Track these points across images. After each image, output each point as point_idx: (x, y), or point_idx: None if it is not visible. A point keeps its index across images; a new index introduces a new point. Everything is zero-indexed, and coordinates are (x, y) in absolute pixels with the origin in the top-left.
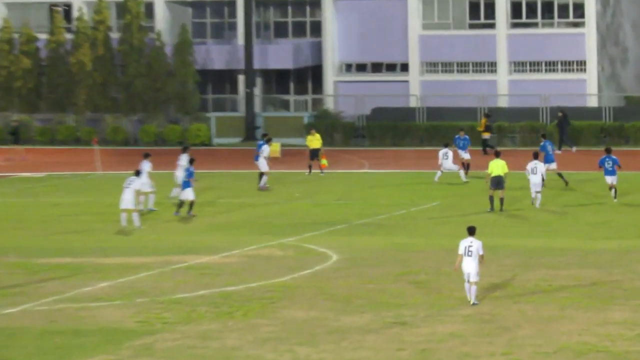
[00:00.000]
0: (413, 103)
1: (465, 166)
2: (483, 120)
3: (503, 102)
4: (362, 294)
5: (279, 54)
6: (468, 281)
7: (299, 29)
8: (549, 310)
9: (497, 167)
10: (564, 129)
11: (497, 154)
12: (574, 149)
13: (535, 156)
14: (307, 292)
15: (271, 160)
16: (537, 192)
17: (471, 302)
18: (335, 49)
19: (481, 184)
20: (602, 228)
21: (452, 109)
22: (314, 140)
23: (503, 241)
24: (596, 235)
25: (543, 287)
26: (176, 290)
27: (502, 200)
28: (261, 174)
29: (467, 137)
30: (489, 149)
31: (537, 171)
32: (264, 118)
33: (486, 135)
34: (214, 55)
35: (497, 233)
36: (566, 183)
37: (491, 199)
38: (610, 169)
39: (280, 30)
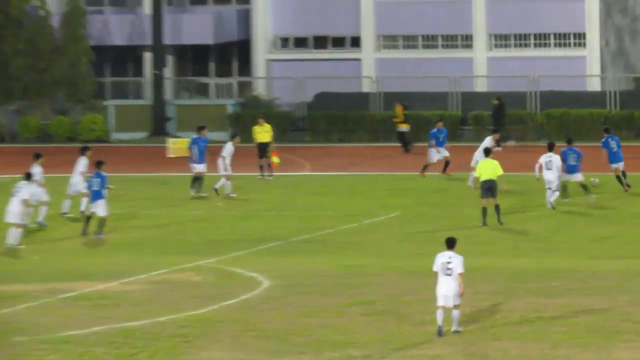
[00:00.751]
0: (367, 87)
1: (445, 165)
2: (399, 109)
3: (481, 86)
4: (300, 330)
5: (196, 26)
6: (443, 306)
7: None
8: (538, 348)
9: (488, 168)
10: (500, 119)
11: (487, 153)
12: (512, 143)
13: (550, 148)
14: (231, 328)
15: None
16: (554, 190)
17: (452, 329)
18: (267, 19)
19: (450, 189)
20: (607, 244)
21: (416, 95)
22: (263, 132)
23: (482, 261)
24: (599, 253)
25: (531, 319)
26: (64, 327)
27: (497, 208)
28: (195, 179)
29: (445, 129)
30: (410, 147)
31: (552, 165)
32: (177, 107)
33: (404, 128)
34: (113, 27)
35: (475, 251)
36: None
37: (484, 210)
38: (616, 150)
39: None
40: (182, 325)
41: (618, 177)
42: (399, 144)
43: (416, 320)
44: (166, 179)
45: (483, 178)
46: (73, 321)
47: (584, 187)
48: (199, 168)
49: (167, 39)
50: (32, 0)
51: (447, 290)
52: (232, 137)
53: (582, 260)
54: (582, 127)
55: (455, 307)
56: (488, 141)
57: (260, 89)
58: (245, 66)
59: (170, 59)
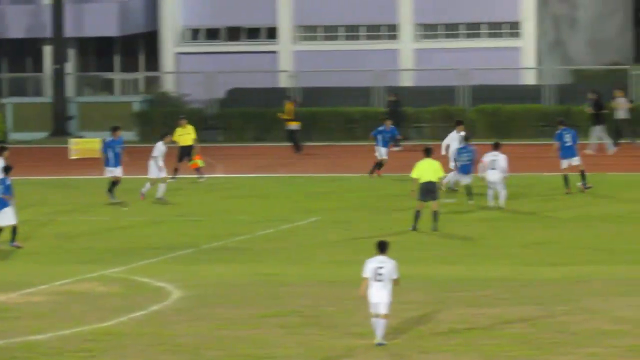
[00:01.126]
0: (284, 82)
1: (377, 165)
2: (289, 106)
3: (407, 80)
4: (214, 343)
5: (100, 17)
6: (376, 314)
7: None
8: None
9: (429, 170)
10: (397, 116)
11: (428, 152)
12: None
13: (496, 147)
14: (140, 342)
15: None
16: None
17: (376, 342)
18: (176, 9)
19: (376, 191)
20: (541, 251)
21: (338, 90)
22: (185, 135)
23: (409, 269)
24: (534, 259)
25: (461, 331)
26: None
27: (435, 215)
28: (113, 183)
29: (394, 128)
30: (300, 146)
31: (496, 165)
32: (79, 105)
33: (294, 126)
34: (10, 19)
35: (401, 258)
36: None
37: (417, 214)
38: (570, 144)
39: None
40: (88, 339)
41: (566, 177)
42: (295, 143)
43: (339, 332)
44: (69, 182)
45: (423, 180)
46: None
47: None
48: (116, 172)
49: (69, 32)
50: None
51: (378, 296)
52: (163, 137)
53: (516, 267)
54: (516, 124)
55: (383, 316)
56: (453, 136)
57: (169, 84)
58: (153, 60)
59: (72, 53)
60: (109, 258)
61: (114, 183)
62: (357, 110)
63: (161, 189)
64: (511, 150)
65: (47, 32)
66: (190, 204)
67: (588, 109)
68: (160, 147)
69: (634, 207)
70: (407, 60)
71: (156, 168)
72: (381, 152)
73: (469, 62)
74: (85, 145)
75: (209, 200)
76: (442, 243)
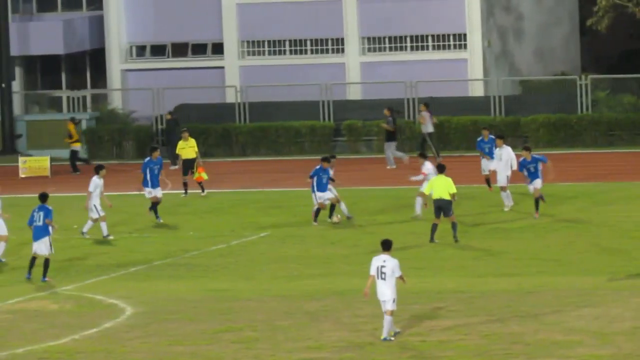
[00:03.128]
0: (231, 97)
1: (488, 181)
2: (70, 126)
3: (355, 93)
4: None
5: (45, 35)
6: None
7: (72, 0)
8: None
9: (441, 187)
10: (172, 137)
11: (442, 169)
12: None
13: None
14: (94, 359)
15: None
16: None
17: (382, 337)
18: (121, 26)
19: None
20: (494, 261)
21: (285, 104)
22: (187, 148)
23: (360, 283)
24: (485, 271)
25: (413, 345)
26: None
27: (454, 226)
28: (154, 203)
29: (493, 137)
30: (81, 164)
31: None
32: (27, 123)
33: (76, 147)
34: None
35: (351, 272)
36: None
37: (434, 227)
38: (534, 170)
39: (46, 2)
40: (42, 357)
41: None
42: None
43: (293, 347)
44: (19, 200)
45: (435, 197)
46: None
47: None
48: (155, 193)
49: (15, 49)
50: None
51: (383, 294)
52: (98, 170)
53: (467, 279)
54: (465, 135)
55: (389, 312)
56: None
57: (116, 101)
58: (100, 77)
59: (18, 71)
60: (60, 276)
61: (155, 203)
62: (305, 124)
63: (88, 225)
64: (458, 161)
65: None
66: (140, 222)
67: (385, 126)
68: (95, 181)
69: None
70: (354, 73)
71: (92, 206)
72: (490, 165)
73: (416, 74)
74: (34, 163)
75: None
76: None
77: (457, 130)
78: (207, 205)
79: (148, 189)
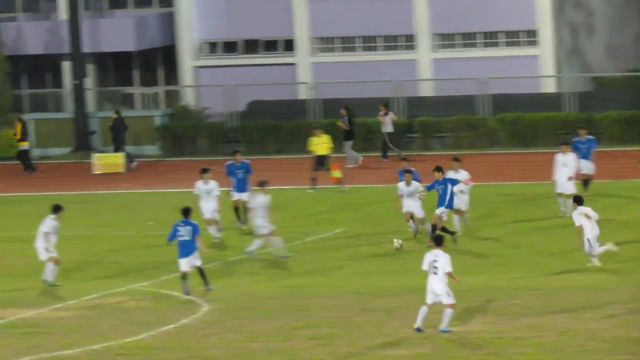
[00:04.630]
0: (303, 94)
1: (585, 183)
2: (18, 126)
3: (426, 90)
4: (244, 356)
5: (117, 32)
6: (432, 303)
7: None
8: None
9: None
10: (118, 135)
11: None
12: (134, 164)
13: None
14: (171, 355)
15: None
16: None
17: (441, 328)
18: (193, 23)
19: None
20: (567, 258)
21: (356, 101)
22: (320, 144)
23: None
24: (559, 268)
25: (490, 340)
26: None
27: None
28: (236, 208)
29: (591, 138)
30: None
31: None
32: (101, 120)
33: (25, 146)
34: (28, 35)
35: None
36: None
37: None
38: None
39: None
40: (119, 353)
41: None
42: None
43: (369, 343)
44: (93, 197)
45: None
46: (1, 351)
47: None
48: (239, 196)
49: (87, 47)
50: None
51: (436, 287)
52: (56, 211)
53: (542, 276)
54: (538, 132)
55: (448, 305)
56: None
57: (188, 98)
58: (172, 74)
59: (90, 68)
60: (137, 272)
61: (237, 208)
62: (377, 121)
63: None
64: (532, 158)
65: (66, 48)
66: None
67: (342, 125)
68: (49, 223)
69: None
70: (425, 70)
71: (43, 247)
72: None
73: (487, 71)
74: (108, 160)
75: (231, 213)
76: (464, 253)
77: (530, 127)
78: (281, 202)
79: (232, 193)
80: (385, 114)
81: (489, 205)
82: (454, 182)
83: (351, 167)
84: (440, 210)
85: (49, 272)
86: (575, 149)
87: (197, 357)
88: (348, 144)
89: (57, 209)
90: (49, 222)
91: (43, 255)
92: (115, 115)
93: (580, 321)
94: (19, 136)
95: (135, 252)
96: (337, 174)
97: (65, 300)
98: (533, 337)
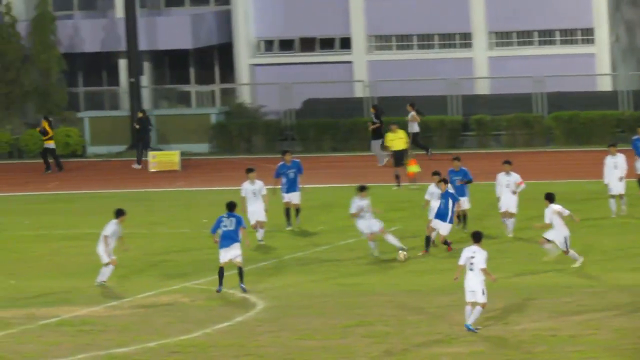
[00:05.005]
0: (359, 92)
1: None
2: (45, 124)
3: (482, 88)
4: (299, 354)
5: (173, 30)
6: (471, 302)
7: None
8: None
9: None
10: (146, 135)
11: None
12: (138, 166)
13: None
14: (226, 353)
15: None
16: (511, 213)
17: (466, 324)
18: (249, 21)
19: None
20: (620, 257)
21: (413, 99)
22: (397, 139)
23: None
24: (612, 266)
25: (546, 338)
26: (46, 355)
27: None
28: (287, 209)
29: None
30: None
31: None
32: (156, 118)
33: (50, 144)
34: (85, 33)
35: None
36: None
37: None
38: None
39: None
40: (173, 351)
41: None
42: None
43: (424, 341)
44: (148, 195)
45: None
46: (55, 349)
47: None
48: (290, 198)
49: (143, 44)
50: None
51: (471, 284)
52: (118, 215)
53: (596, 274)
54: (594, 130)
55: (480, 304)
56: None
57: (245, 96)
58: (228, 72)
59: (146, 66)
60: (191, 270)
61: (288, 211)
62: (433, 119)
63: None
64: (587, 156)
65: (122, 46)
66: (274, 218)
67: (371, 124)
68: (111, 227)
69: None
70: (481, 68)
71: (104, 251)
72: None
73: (543, 69)
74: (164, 157)
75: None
76: (522, 251)
77: (585, 125)
78: (334, 200)
79: (282, 194)
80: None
81: (543, 203)
82: (455, 198)
83: (381, 167)
84: (436, 223)
85: (105, 274)
86: (634, 147)
87: (251, 355)
88: (375, 143)
89: (119, 213)
90: (112, 227)
91: (105, 259)
92: (140, 115)
93: (635, 320)
94: (50, 133)
95: (189, 250)
96: (414, 169)
97: (120, 298)
98: (588, 335)
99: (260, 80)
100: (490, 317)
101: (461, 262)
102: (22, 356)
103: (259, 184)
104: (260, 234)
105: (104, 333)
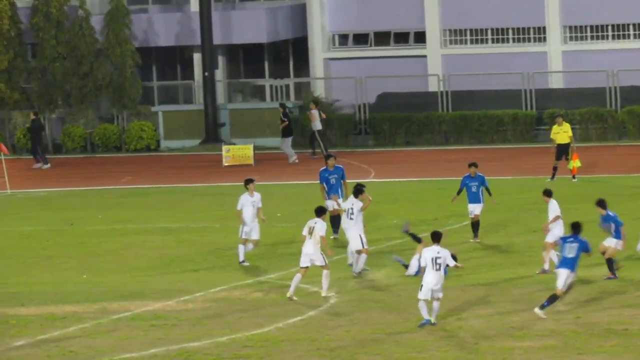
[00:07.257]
0: (433, 86)
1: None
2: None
3: (556, 82)
4: (372, 348)
5: (248, 24)
6: (426, 299)
7: None
8: None
9: None
10: (37, 137)
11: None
12: (45, 166)
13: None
14: (298, 347)
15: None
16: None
17: (432, 320)
18: (324, 15)
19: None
20: None
21: (487, 93)
22: (561, 133)
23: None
24: None
25: (618, 332)
26: (119, 349)
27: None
28: (332, 217)
29: None
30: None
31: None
32: (230, 112)
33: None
34: (159, 27)
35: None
36: None
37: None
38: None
39: None
40: (245, 345)
41: None
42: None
43: (496, 334)
44: (222, 189)
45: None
46: (128, 343)
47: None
48: (332, 205)
49: (217, 39)
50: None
51: (435, 284)
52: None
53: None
54: None
55: (437, 299)
56: None
57: (319, 90)
58: (303, 66)
59: (221, 60)
60: (264, 264)
61: (333, 217)
62: (507, 113)
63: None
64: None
65: (196, 40)
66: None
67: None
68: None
69: None
70: (555, 62)
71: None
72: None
73: (617, 63)
74: (238, 152)
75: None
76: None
77: None
78: (409, 194)
79: (326, 202)
80: (313, 111)
81: (616, 197)
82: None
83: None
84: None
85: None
86: None
87: (323, 350)
88: (285, 141)
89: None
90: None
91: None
92: (33, 116)
93: None
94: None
95: (262, 244)
96: (576, 164)
97: (192, 292)
98: None
99: (335, 74)
100: (562, 310)
101: (423, 263)
102: (95, 351)
103: (257, 196)
104: (248, 248)
105: (176, 327)
